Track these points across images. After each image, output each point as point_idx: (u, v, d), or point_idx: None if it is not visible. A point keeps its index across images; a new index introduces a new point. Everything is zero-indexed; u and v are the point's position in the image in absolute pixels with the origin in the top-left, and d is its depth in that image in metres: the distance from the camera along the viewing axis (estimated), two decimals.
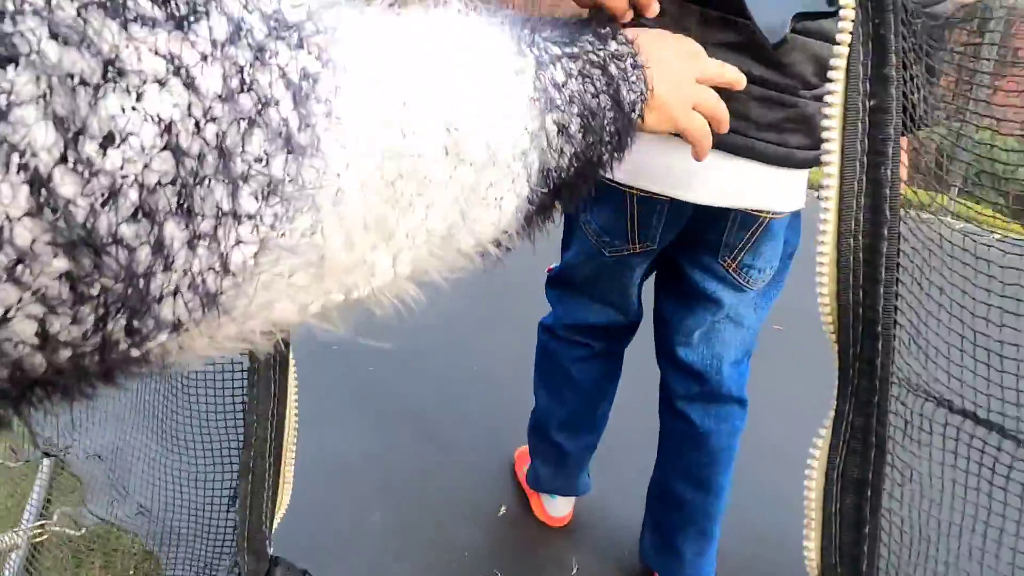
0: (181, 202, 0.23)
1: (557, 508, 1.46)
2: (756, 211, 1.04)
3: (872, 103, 0.57)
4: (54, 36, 0.20)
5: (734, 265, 1.10)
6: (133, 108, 0.22)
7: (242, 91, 0.24)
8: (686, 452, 1.26)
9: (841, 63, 0.57)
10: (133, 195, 0.22)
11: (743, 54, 0.91)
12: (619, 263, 1.17)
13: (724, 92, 0.86)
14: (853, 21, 0.56)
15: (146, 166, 0.22)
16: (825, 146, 0.58)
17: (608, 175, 0.95)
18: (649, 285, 1.29)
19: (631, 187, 1.05)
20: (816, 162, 0.99)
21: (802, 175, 1.05)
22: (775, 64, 0.93)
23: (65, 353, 0.22)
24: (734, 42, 0.90)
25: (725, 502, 1.28)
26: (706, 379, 1.21)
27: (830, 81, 0.83)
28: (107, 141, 0.21)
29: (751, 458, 1.45)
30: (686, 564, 1.29)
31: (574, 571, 1.37)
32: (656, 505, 1.33)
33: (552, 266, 1.30)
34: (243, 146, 0.24)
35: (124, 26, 0.22)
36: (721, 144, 0.96)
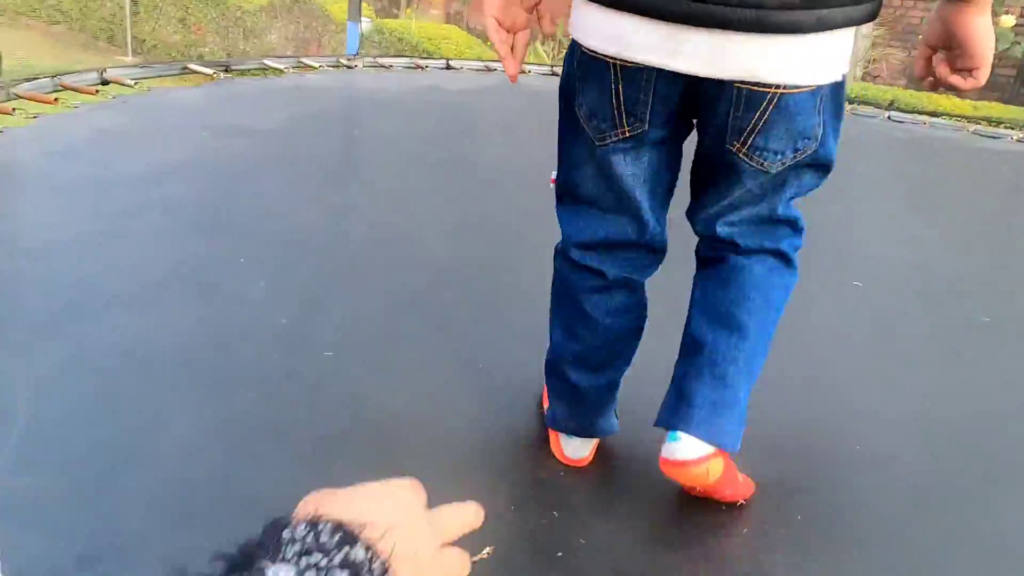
0: None
1: (574, 449, 1.28)
2: (760, 85, 0.93)
3: None
4: None
5: (744, 149, 0.99)
6: None
7: None
8: (713, 289, 1.15)
9: None
10: None
11: None
12: (615, 158, 1.05)
13: None
14: None
15: None
16: None
17: (589, 42, 0.98)
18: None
19: (613, 57, 0.97)
20: (831, 22, 0.90)
21: (823, 40, 0.93)
22: None
23: None
24: None
25: (755, 352, 1.12)
26: (733, 244, 1.13)
27: None
28: None
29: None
30: (695, 413, 1.09)
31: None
32: (678, 362, 1.17)
33: (554, 175, 1.17)
34: None
35: None
36: (679, 11, 0.89)
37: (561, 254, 1.20)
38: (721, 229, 1.12)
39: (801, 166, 1.04)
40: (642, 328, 1.21)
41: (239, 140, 2.60)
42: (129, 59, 8.01)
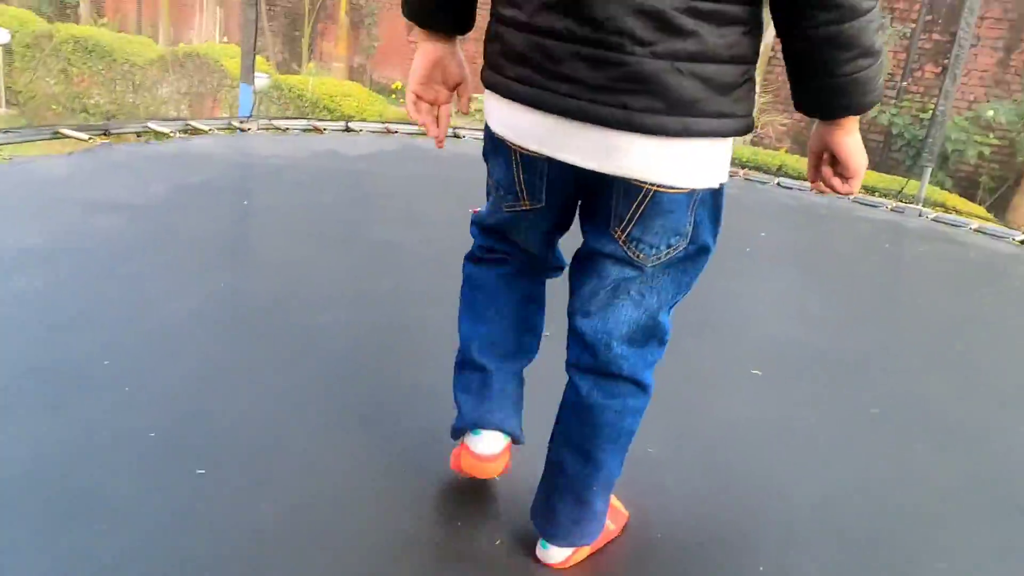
0: None
1: (485, 445, 1.31)
2: (637, 181, 1.02)
3: None
4: None
5: (623, 236, 1.08)
6: None
7: None
8: (570, 420, 1.23)
9: None
10: None
11: (555, 11, 0.96)
12: (519, 218, 1.18)
13: (552, 54, 0.98)
14: None
15: None
16: None
17: (493, 126, 1.11)
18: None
19: (514, 144, 1.08)
20: (696, 130, 0.98)
21: (694, 146, 1.00)
22: (589, 19, 0.94)
23: None
24: (551, 1, 0.96)
25: (610, 477, 1.24)
26: (596, 352, 1.16)
27: (680, 36, 0.93)
28: None
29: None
30: (561, 529, 1.26)
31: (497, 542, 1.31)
32: (547, 466, 1.27)
33: (477, 208, 1.31)
34: None
35: None
36: (555, 106, 0.99)
37: (468, 257, 1.34)
38: (595, 335, 1.16)
39: (674, 265, 1.11)
40: (540, 327, 1.33)
41: (113, 217, 2.41)
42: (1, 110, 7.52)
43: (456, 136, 4.69)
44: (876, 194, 4.92)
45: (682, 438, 1.63)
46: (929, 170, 4.42)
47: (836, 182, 1.10)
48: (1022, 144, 9.06)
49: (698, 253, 1.12)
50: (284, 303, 2.02)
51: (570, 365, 1.21)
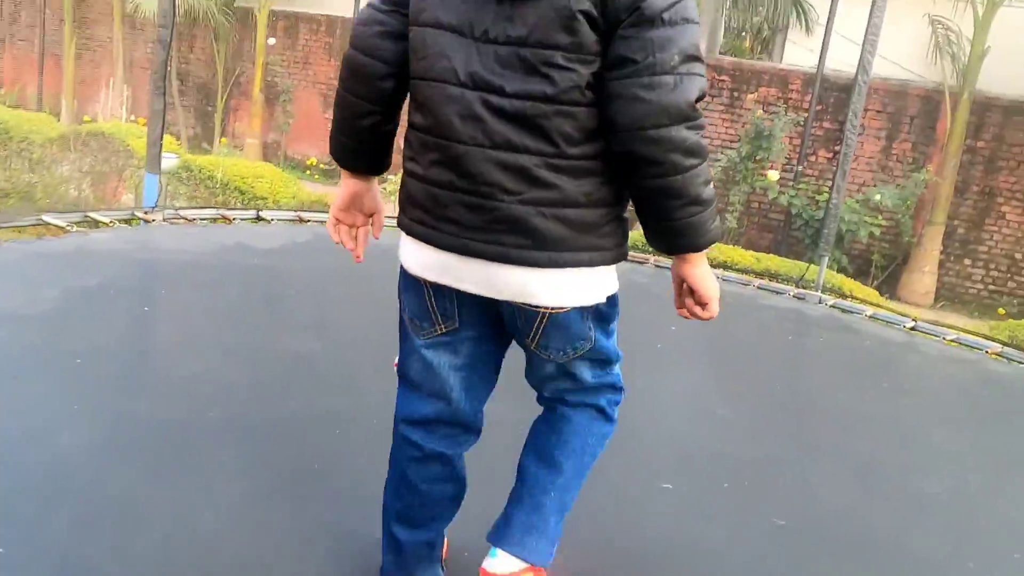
0: None
1: None
2: (530, 305, 1.20)
3: None
4: None
5: (535, 346, 1.28)
6: None
7: None
8: (542, 432, 1.40)
9: None
10: None
11: (442, 167, 1.17)
12: (435, 351, 1.31)
13: (440, 201, 1.19)
14: None
15: None
16: None
17: (404, 263, 1.28)
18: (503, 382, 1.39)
19: (420, 276, 1.25)
20: (566, 263, 1.17)
21: (578, 274, 1.20)
22: (467, 174, 1.15)
23: None
24: (439, 159, 1.18)
25: (568, 487, 1.37)
26: (557, 395, 1.37)
27: (543, 187, 1.13)
28: None
29: None
30: (513, 532, 1.36)
31: None
32: (515, 484, 1.41)
33: (396, 360, 1.41)
34: None
35: None
36: (444, 244, 1.19)
37: (395, 426, 1.40)
38: (548, 393, 1.39)
39: (585, 357, 1.31)
40: (459, 495, 1.41)
41: None
42: None
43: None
44: (779, 279, 5.15)
45: (601, 557, 1.61)
46: (826, 259, 4.65)
47: (697, 309, 1.28)
48: (906, 226, 9.70)
49: (602, 347, 1.32)
50: (185, 430, 1.91)
51: (541, 397, 1.41)
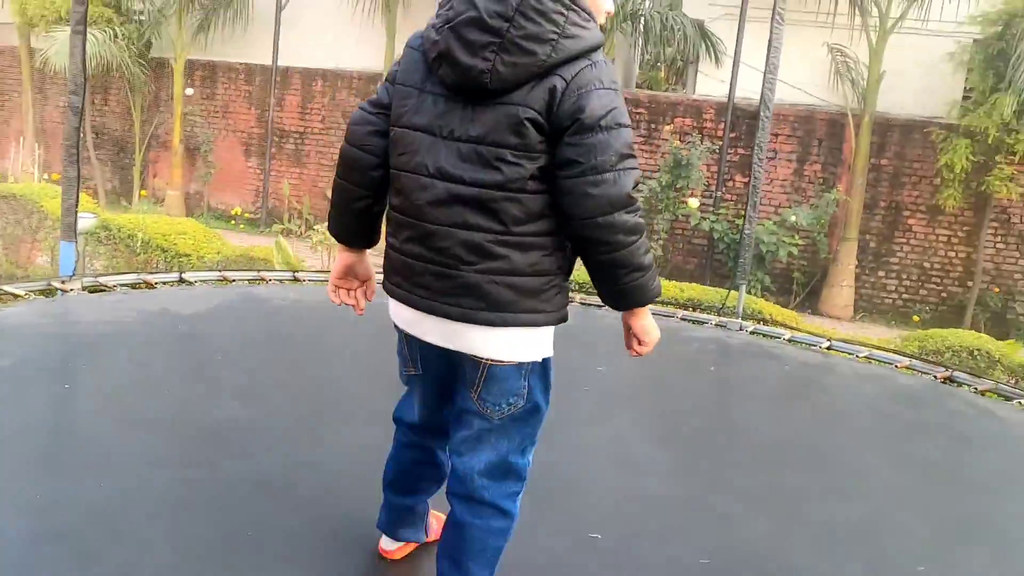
0: None
1: (386, 543, 1.80)
2: (476, 356, 1.43)
3: None
4: None
5: (475, 396, 1.47)
6: None
7: None
8: (449, 534, 1.57)
9: None
10: None
11: (414, 242, 1.43)
12: (412, 380, 1.63)
13: (413, 269, 1.44)
14: None
15: None
16: None
17: (391, 313, 1.54)
18: None
19: (400, 328, 1.55)
20: (512, 322, 1.40)
21: (521, 333, 1.42)
22: (435, 248, 1.40)
23: None
24: (412, 235, 1.43)
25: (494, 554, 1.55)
26: (464, 482, 1.51)
27: (494, 259, 1.37)
28: None
29: None
30: None
31: None
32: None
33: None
34: None
35: None
36: (417, 305, 1.45)
37: (397, 424, 1.73)
38: (464, 470, 1.52)
39: (517, 419, 1.49)
40: (437, 477, 1.71)
41: None
42: None
43: (296, 280, 4.65)
44: (702, 308, 5.32)
45: None
46: (743, 287, 4.83)
47: (640, 348, 1.51)
48: (822, 243, 10.12)
49: (534, 410, 1.50)
50: (112, 507, 1.89)
51: (448, 492, 1.56)
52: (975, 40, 9.49)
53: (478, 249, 1.37)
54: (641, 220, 1.36)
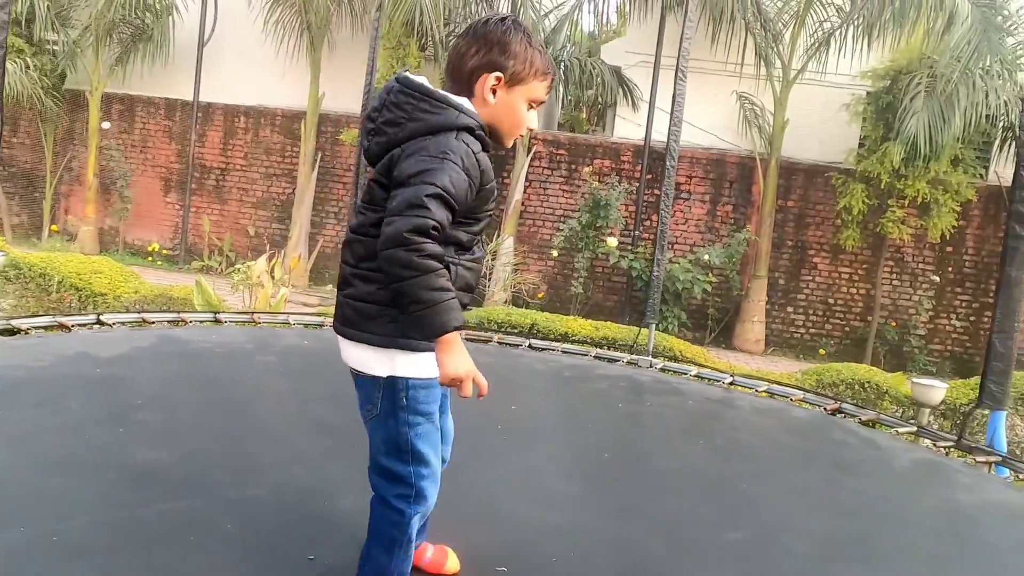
0: None
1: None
2: (347, 364, 1.76)
3: None
4: None
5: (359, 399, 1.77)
6: None
7: None
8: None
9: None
10: None
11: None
12: None
13: None
14: None
15: None
16: None
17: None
18: None
19: None
20: (354, 337, 1.70)
21: (367, 349, 1.69)
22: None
23: None
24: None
25: (370, 566, 1.75)
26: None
27: (349, 286, 1.72)
28: None
29: None
30: None
31: None
32: None
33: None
34: None
35: None
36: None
37: None
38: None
39: (377, 425, 1.71)
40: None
41: None
42: None
43: (217, 321, 4.67)
44: (615, 347, 5.56)
45: None
46: (653, 325, 5.10)
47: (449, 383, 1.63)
48: (735, 281, 10.61)
49: (386, 419, 1.69)
50: (30, 554, 1.92)
51: None
52: (867, 92, 10.24)
53: (344, 278, 1.73)
54: (423, 260, 1.51)
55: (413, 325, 1.59)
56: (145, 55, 11.60)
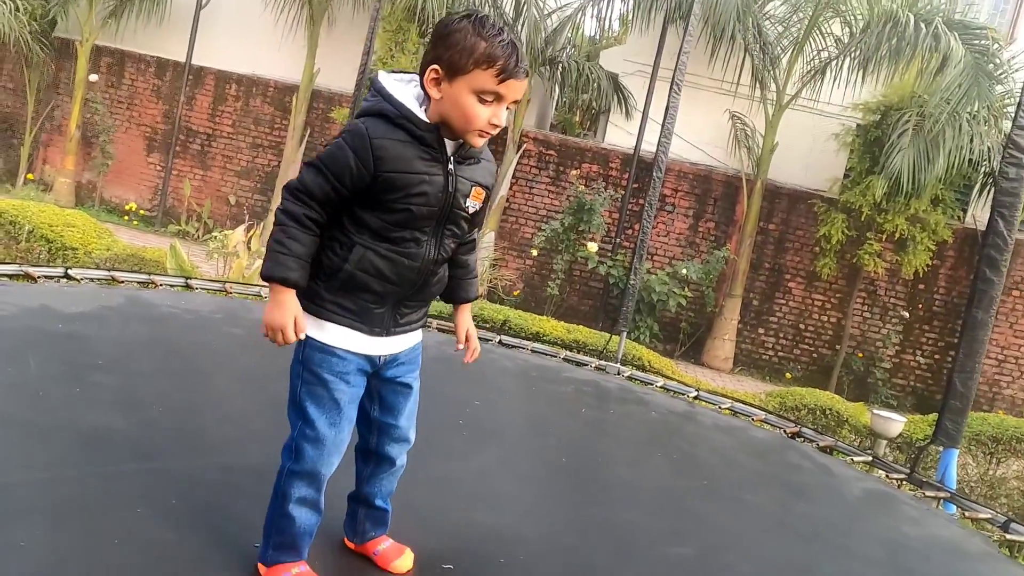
0: None
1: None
2: None
3: None
4: None
5: None
6: None
7: None
8: None
9: None
10: None
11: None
12: None
13: None
14: None
15: None
16: None
17: None
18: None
19: None
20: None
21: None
22: None
23: None
24: None
25: (267, 518, 1.80)
26: None
27: None
28: None
29: None
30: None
31: None
32: None
33: None
34: None
35: None
36: None
37: None
38: None
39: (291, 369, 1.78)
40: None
41: None
42: None
43: (188, 287, 4.62)
44: (585, 351, 5.58)
45: None
46: (624, 333, 5.13)
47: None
48: (710, 297, 10.69)
49: (292, 365, 1.77)
50: None
51: None
52: (857, 124, 10.36)
53: None
54: (279, 213, 1.66)
55: None
56: (141, 11, 11.43)
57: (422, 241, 1.72)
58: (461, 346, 1.99)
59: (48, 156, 12.27)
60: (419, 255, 1.73)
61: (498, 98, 1.66)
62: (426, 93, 1.68)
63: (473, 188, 1.77)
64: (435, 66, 1.65)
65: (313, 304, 1.72)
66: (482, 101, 1.65)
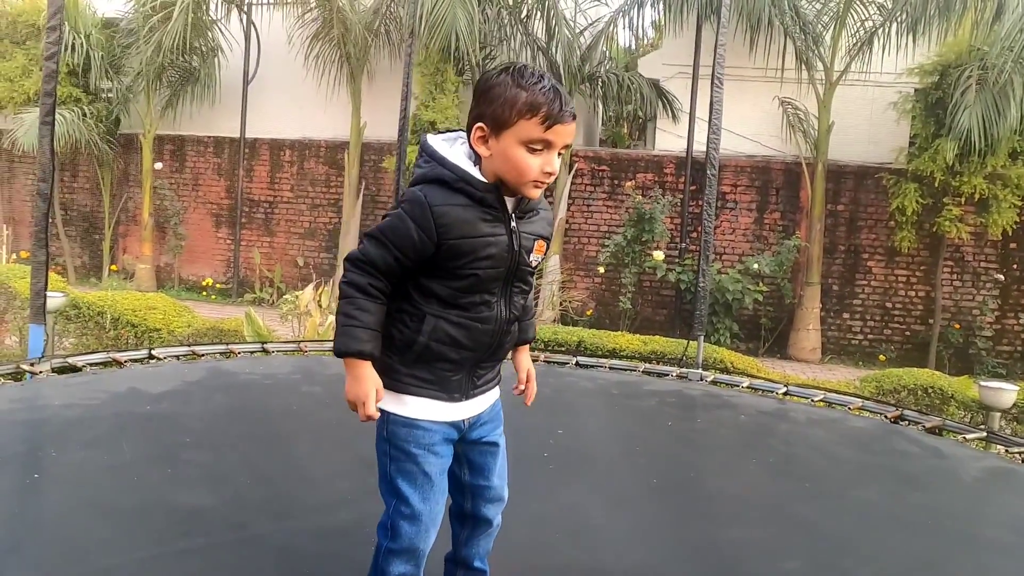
0: None
1: None
2: None
3: None
4: None
5: None
6: None
7: None
8: None
9: None
10: None
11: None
12: None
13: None
14: None
15: None
16: None
17: None
18: None
19: None
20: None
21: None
22: None
23: None
24: None
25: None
26: None
27: None
28: None
29: None
30: None
31: None
32: None
33: None
34: None
35: None
36: None
37: None
38: None
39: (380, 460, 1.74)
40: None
41: None
42: None
43: (265, 352, 4.73)
44: (664, 361, 5.46)
45: None
46: (702, 337, 4.99)
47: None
48: (786, 289, 10.36)
49: (377, 444, 1.74)
50: None
51: None
52: (915, 89, 9.95)
53: None
54: (343, 286, 1.64)
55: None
56: (193, 96, 11.97)
57: (492, 303, 1.69)
58: (522, 387, 1.95)
59: (127, 246, 12.90)
60: (491, 318, 1.69)
61: (548, 145, 1.61)
62: (475, 152, 1.66)
63: (536, 242, 1.72)
64: (480, 124, 1.63)
65: (390, 379, 1.68)
66: (532, 151, 1.61)
